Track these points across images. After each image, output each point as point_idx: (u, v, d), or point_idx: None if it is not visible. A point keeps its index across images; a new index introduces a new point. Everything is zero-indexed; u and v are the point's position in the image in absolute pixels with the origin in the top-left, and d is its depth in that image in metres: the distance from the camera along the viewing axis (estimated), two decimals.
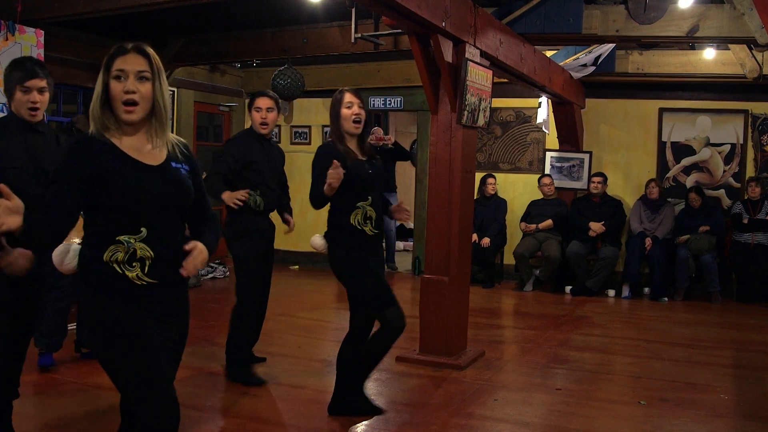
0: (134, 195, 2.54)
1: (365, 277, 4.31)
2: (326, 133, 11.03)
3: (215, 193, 4.94)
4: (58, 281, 5.16)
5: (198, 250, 2.62)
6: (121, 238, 2.53)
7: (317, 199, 4.26)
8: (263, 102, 5.29)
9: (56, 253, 2.69)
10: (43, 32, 6.75)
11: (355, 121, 4.30)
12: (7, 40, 6.38)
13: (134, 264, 2.56)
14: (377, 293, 4.31)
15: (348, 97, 4.32)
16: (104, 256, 2.53)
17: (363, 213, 4.24)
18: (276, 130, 11.57)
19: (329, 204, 4.31)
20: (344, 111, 4.30)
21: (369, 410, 4.52)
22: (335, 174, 4.03)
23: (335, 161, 4.08)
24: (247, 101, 11.37)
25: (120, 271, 2.55)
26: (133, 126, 2.61)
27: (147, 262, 2.57)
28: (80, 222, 2.62)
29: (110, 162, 2.54)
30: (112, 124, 2.59)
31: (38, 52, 6.69)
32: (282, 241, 11.18)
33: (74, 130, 5.13)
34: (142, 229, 2.56)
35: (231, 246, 5.21)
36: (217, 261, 9.43)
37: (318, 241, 4.35)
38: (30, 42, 6.61)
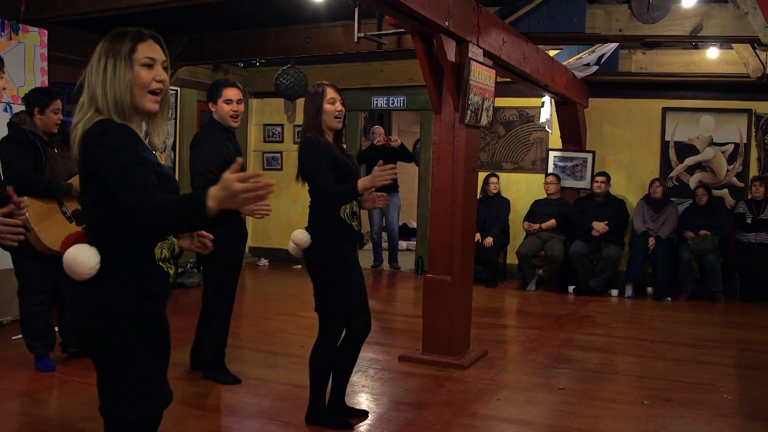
0: (169, 186, 2.42)
1: (350, 277, 4.22)
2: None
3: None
4: (43, 285, 5.18)
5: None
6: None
7: (342, 196, 4.14)
8: (233, 93, 5.04)
9: (86, 257, 2.34)
10: (46, 32, 6.77)
11: (337, 117, 4.22)
12: (10, 39, 6.40)
13: (171, 261, 2.47)
14: (356, 296, 4.26)
15: (331, 93, 4.19)
16: (156, 254, 2.42)
17: (350, 208, 4.19)
18: (278, 129, 11.58)
19: (314, 201, 4.19)
20: (327, 106, 4.17)
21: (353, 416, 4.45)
22: (391, 173, 4.03)
23: (380, 160, 4.07)
24: (250, 99, 11.50)
25: (165, 270, 2.47)
26: (141, 117, 2.49)
27: (177, 259, 2.52)
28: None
29: (147, 152, 2.42)
30: (128, 114, 2.44)
31: (42, 52, 6.72)
32: (285, 240, 11.22)
33: (27, 133, 4.99)
34: None
35: (217, 248, 5.12)
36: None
37: (302, 236, 4.15)
38: (34, 41, 6.63)
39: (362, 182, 4.07)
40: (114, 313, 2.37)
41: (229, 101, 5.02)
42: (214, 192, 2.14)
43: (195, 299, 5.48)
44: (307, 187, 4.23)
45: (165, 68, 2.50)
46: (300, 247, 4.18)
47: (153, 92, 2.44)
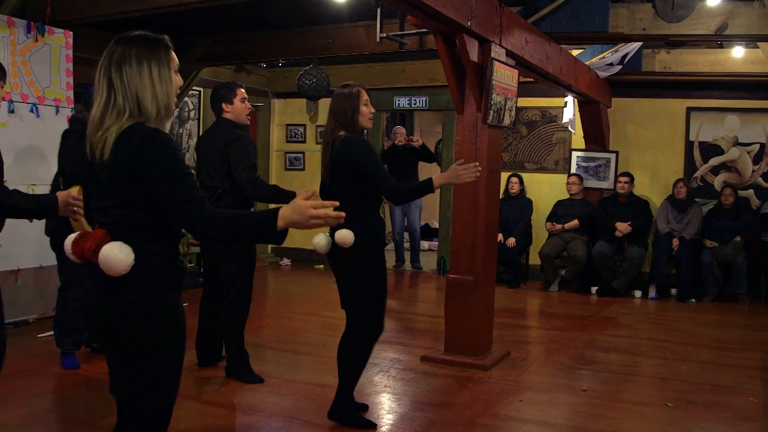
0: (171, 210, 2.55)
1: (384, 279, 4.34)
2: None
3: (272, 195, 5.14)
4: (79, 282, 5.25)
5: None
6: (183, 230, 2.53)
7: (416, 192, 4.34)
8: (245, 92, 5.31)
9: (124, 254, 2.42)
10: (72, 33, 6.82)
11: (370, 119, 4.33)
12: (36, 41, 6.46)
13: (183, 256, 2.59)
14: (384, 296, 4.36)
15: (365, 95, 4.31)
16: (180, 249, 2.54)
17: (382, 208, 4.26)
18: (301, 129, 11.61)
19: (353, 199, 4.18)
20: (363, 108, 4.28)
21: (360, 425, 4.41)
22: (475, 170, 4.18)
23: (462, 159, 4.11)
24: (273, 100, 11.53)
25: (184, 264, 2.60)
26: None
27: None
28: None
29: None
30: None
31: (67, 53, 6.77)
32: (307, 241, 11.26)
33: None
34: None
35: (240, 248, 5.20)
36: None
37: (350, 236, 4.14)
38: (59, 43, 6.69)
39: (438, 179, 4.22)
40: (147, 307, 2.47)
41: (244, 99, 5.26)
42: (285, 214, 2.41)
43: (192, 298, 5.53)
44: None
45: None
46: (346, 246, 4.17)
47: (177, 97, 2.61)
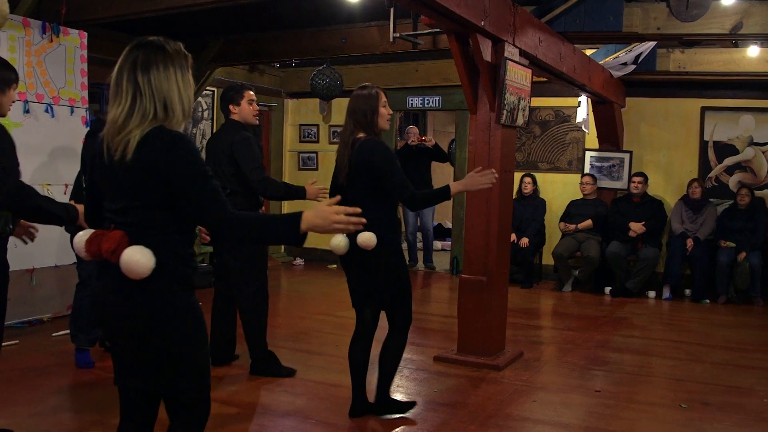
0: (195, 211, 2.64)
1: (408, 274, 4.43)
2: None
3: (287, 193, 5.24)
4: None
5: None
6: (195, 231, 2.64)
7: (434, 198, 4.44)
8: (253, 94, 5.36)
9: (147, 258, 2.47)
10: (86, 33, 6.85)
11: (388, 120, 4.36)
12: (51, 41, 6.49)
13: (195, 256, 2.66)
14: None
15: (383, 97, 4.33)
16: (195, 251, 2.61)
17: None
18: (314, 129, 11.62)
19: (371, 201, 4.21)
20: (382, 110, 4.30)
21: (400, 410, 4.57)
22: (492, 177, 4.25)
23: (479, 166, 4.15)
24: (286, 100, 11.55)
25: (197, 265, 2.68)
26: None
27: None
28: None
29: None
30: None
31: (82, 53, 6.80)
32: (320, 240, 11.30)
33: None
34: None
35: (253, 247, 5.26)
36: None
37: (374, 238, 4.16)
38: (74, 43, 6.72)
39: (456, 186, 4.32)
40: (169, 306, 2.54)
41: (251, 101, 5.31)
42: (309, 218, 2.56)
43: (205, 298, 5.56)
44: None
45: None
46: (368, 249, 4.20)
47: None
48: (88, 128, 6.26)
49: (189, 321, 2.59)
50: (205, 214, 2.52)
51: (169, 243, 2.54)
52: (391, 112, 4.38)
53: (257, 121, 5.37)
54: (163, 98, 2.53)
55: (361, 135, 4.27)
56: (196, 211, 2.52)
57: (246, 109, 5.28)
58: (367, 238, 4.15)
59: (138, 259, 2.44)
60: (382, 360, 4.48)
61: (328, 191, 4.74)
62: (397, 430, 4.35)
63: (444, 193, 4.30)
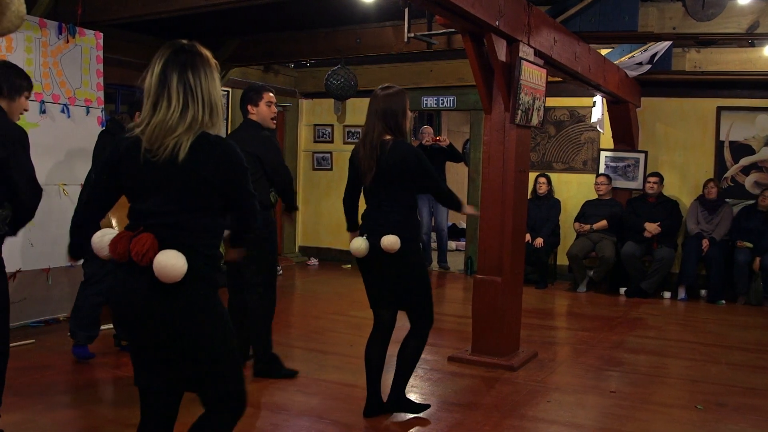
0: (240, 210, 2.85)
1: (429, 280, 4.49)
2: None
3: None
4: (103, 278, 5.36)
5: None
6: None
7: (453, 202, 4.55)
8: (272, 96, 5.30)
9: (181, 263, 2.52)
10: (102, 34, 6.89)
11: (410, 123, 4.38)
12: (67, 42, 6.53)
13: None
14: None
15: (408, 100, 4.33)
16: (222, 254, 2.74)
17: None
18: (329, 129, 11.64)
19: (400, 203, 4.25)
20: (409, 112, 4.32)
21: (413, 411, 4.57)
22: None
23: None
24: (301, 100, 11.57)
25: (220, 266, 2.77)
26: None
27: None
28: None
29: None
30: None
31: (98, 54, 6.84)
32: (335, 240, 11.34)
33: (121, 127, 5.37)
34: None
35: (263, 246, 5.24)
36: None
37: (398, 242, 4.17)
38: (90, 44, 6.75)
39: (468, 208, 4.70)
40: (206, 308, 2.64)
41: (269, 103, 5.24)
42: None
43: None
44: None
45: None
46: (392, 252, 4.21)
47: None
48: (103, 128, 6.31)
49: (220, 319, 2.68)
50: (249, 214, 2.82)
51: (201, 245, 2.61)
52: (413, 113, 4.40)
53: (274, 125, 5.32)
54: (211, 103, 2.63)
55: (388, 137, 4.23)
56: (243, 212, 2.80)
57: (264, 111, 5.22)
58: (392, 242, 4.16)
59: (174, 263, 2.50)
60: (399, 359, 4.48)
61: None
62: (411, 430, 4.34)
63: (460, 204, 4.55)
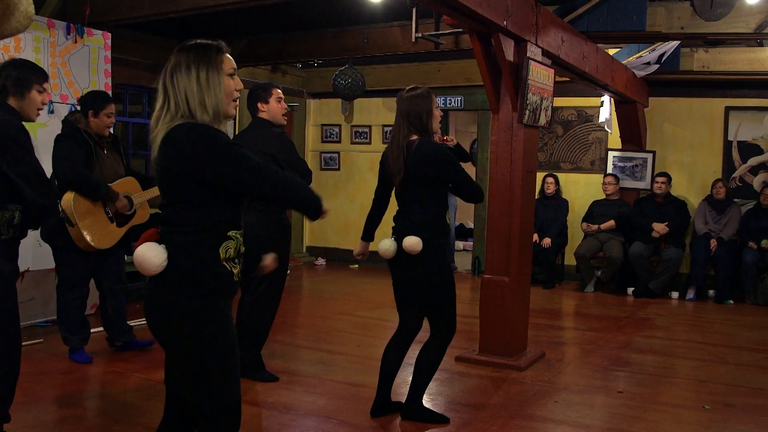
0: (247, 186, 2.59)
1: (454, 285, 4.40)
2: (387, 132, 11.07)
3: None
4: (78, 281, 5.37)
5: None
6: (231, 233, 2.58)
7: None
8: (281, 92, 5.27)
9: (154, 254, 2.51)
10: (110, 34, 6.91)
11: (439, 123, 4.38)
12: (76, 42, 6.55)
13: (237, 261, 2.61)
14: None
15: (435, 100, 4.32)
16: (221, 253, 2.55)
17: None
18: (336, 129, 11.65)
19: (428, 203, 4.26)
20: (436, 112, 4.31)
21: (429, 421, 4.48)
22: None
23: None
24: (308, 100, 11.59)
25: (229, 269, 2.59)
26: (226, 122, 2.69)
27: (241, 259, 2.65)
28: None
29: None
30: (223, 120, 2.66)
31: (105, 54, 6.86)
32: (342, 240, 11.35)
33: (82, 132, 5.24)
34: (241, 223, 2.64)
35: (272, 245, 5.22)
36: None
37: (420, 244, 4.18)
38: (98, 44, 6.77)
39: None
40: (184, 307, 2.52)
41: (279, 99, 5.23)
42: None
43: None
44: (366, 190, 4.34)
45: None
46: (413, 253, 4.20)
47: (234, 99, 2.68)
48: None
49: (200, 326, 2.53)
50: (250, 187, 2.55)
51: (190, 242, 2.53)
52: (441, 113, 4.39)
53: (285, 121, 5.29)
54: (186, 99, 2.55)
55: (415, 137, 4.24)
56: (239, 186, 2.53)
57: (275, 108, 5.20)
58: (413, 243, 4.16)
59: (146, 255, 2.49)
60: (418, 366, 4.42)
61: None
62: (419, 431, 4.35)
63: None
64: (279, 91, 5.25)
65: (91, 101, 5.37)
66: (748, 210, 9.15)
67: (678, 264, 9.05)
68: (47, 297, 6.45)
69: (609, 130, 9.83)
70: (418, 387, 4.43)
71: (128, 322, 5.82)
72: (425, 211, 4.23)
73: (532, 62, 5.57)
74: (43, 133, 6.13)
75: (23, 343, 5.71)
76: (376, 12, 7.73)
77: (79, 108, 5.57)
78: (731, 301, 8.78)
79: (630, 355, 6.27)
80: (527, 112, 5.64)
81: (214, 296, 2.56)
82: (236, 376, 2.63)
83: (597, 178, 10.00)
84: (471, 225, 12.43)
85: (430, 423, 4.41)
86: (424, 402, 4.54)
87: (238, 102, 2.71)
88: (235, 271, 2.61)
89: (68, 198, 5.10)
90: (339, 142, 11.69)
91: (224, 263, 2.56)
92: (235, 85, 2.67)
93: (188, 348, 2.55)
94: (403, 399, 4.53)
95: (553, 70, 6.07)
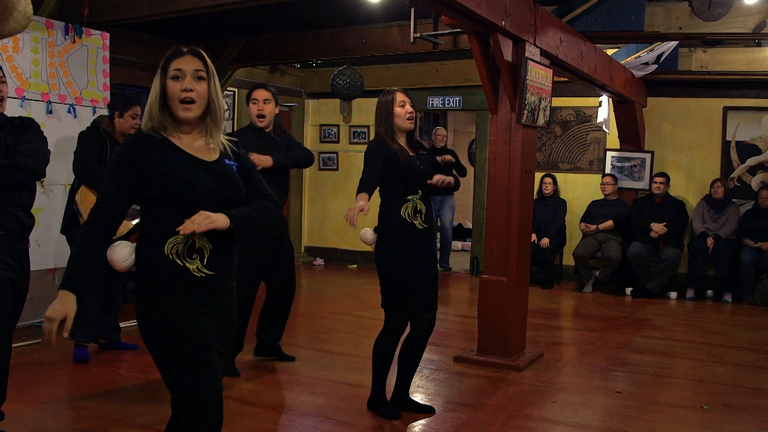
0: (191, 187, 2.62)
1: (412, 276, 4.33)
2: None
3: None
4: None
5: (201, 214, 2.57)
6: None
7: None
8: (260, 94, 5.30)
9: (116, 252, 2.69)
10: (108, 35, 6.90)
11: (409, 119, 4.42)
12: (74, 42, 6.54)
13: (194, 256, 2.63)
14: (419, 295, 4.37)
15: (400, 96, 4.41)
16: (165, 249, 2.61)
17: (413, 206, 4.32)
18: (334, 129, 11.64)
19: (381, 197, 4.40)
20: (398, 110, 4.39)
21: (416, 412, 4.58)
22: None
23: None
24: (306, 100, 11.59)
25: (181, 264, 2.62)
26: (190, 124, 2.71)
27: (206, 254, 2.66)
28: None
29: (168, 156, 2.63)
30: (170, 124, 2.69)
31: (104, 54, 6.85)
32: (340, 240, 11.34)
33: (101, 130, 5.46)
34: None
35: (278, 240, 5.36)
36: None
37: (369, 235, 4.36)
38: (96, 44, 6.77)
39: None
40: (144, 303, 2.68)
41: (255, 101, 5.29)
42: None
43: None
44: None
45: (201, 77, 2.69)
46: (369, 244, 4.38)
47: (183, 101, 2.66)
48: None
49: (150, 318, 2.66)
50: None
51: (143, 238, 2.69)
52: (409, 110, 4.41)
53: (262, 123, 5.29)
54: (150, 99, 2.70)
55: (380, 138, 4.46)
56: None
57: (249, 109, 5.35)
58: (364, 234, 4.38)
59: (110, 252, 2.68)
60: (401, 361, 4.51)
61: None
62: (416, 430, 4.35)
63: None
64: (257, 90, 5.33)
65: (117, 103, 5.59)
66: (747, 211, 9.15)
67: (676, 264, 9.06)
68: (45, 297, 6.44)
69: (607, 130, 9.84)
70: (402, 382, 4.59)
71: (119, 323, 5.86)
72: (381, 204, 4.40)
73: (530, 62, 5.57)
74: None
75: (23, 343, 5.75)
76: (375, 12, 7.73)
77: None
78: (729, 300, 8.78)
79: (628, 355, 6.27)
80: (525, 112, 5.64)
81: (171, 292, 2.63)
82: (201, 368, 2.63)
83: (595, 179, 10.00)
84: (469, 225, 12.43)
85: (383, 417, 4.48)
86: (420, 401, 4.64)
87: (192, 104, 2.68)
88: (192, 266, 2.63)
89: (80, 191, 5.24)
90: (337, 142, 11.67)
91: (172, 257, 2.61)
92: (182, 85, 2.66)
93: (148, 342, 2.68)
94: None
95: (551, 70, 6.07)
